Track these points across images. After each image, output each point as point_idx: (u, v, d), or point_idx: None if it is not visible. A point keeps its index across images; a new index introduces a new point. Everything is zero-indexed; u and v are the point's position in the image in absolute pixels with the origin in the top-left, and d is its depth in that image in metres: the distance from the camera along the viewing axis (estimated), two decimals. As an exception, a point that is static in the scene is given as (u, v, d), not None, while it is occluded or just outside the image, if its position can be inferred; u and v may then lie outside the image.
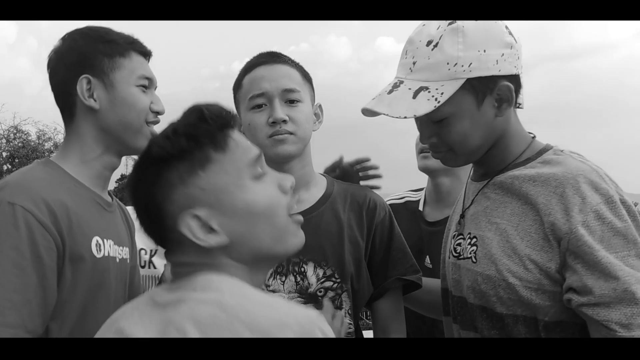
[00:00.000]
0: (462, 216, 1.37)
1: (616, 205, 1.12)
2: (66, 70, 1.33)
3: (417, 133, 1.99)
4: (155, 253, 2.06)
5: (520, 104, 1.29)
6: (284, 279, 1.44)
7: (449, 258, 1.39)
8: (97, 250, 1.27)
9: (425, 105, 1.18)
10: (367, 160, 1.69)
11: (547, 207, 1.15)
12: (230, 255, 0.96)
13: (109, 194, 1.44)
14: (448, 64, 1.18)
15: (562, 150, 1.25)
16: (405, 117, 1.19)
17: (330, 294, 1.44)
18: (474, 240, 1.28)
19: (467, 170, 1.93)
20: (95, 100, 1.31)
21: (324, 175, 1.62)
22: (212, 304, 0.90)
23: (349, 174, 1.65)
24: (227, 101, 1.40)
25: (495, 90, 1.21)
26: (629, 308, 1.06)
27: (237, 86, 1.53)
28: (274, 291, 1.44)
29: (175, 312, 0.91)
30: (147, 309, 0.96)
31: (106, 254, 1.30)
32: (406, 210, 1.99)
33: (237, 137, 1.00)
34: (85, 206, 1.29)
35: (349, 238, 1.49)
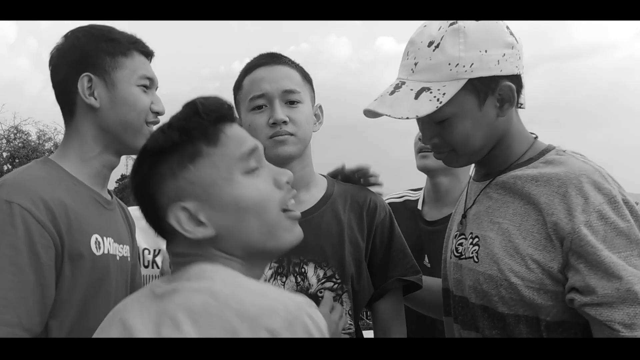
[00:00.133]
0: (464, 216, 1.37)
1: (619, 206, 1.12)
2: (68, 67, 1.33)
3: (415, 133, 2.01)
4: (158, 253, 2.07)
5: (521, 104, 1.29)
6: (284, 279, 1.44)
7: (451, 258, 1.39)
8: (96, 248, 1.27)
9: (427, 105, 1.18)
10: (368, 168, 1.70)
11: (549, 207, 1.15)
12: (219, 247, 0.98)
13: (109, 192, 1.44)
14: (449, 64, 1.18)
15: (564, 151, 1.25)
16: (407, 118, 1.19)
17: (331, 294, 1.44)
18: (476, 240, 1.28)
19: (465, 170, 1.93)
20: (95, 99, 1.31)
21: (324, 176, 1.62)
22: (204, 293, 0.91)
23: (350, 181, 1.65)
24: (228, 101, 1.40)
25: (497, 91, 1.21)
26: (632, 308, 1.06)
27: (238, 87, 1.53)
28: None
29: (170, 302, 0.93)
30: (146, 300, 0.98)
31: (106, 252, 1.30)
32: (405, 209, 1.99)
33: (231, 131, 1.01)
34: (84, 204, 1.29)
35: (350, 239, 1.48)
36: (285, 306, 0.88)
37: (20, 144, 24.09)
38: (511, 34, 1.23)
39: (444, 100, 1.17)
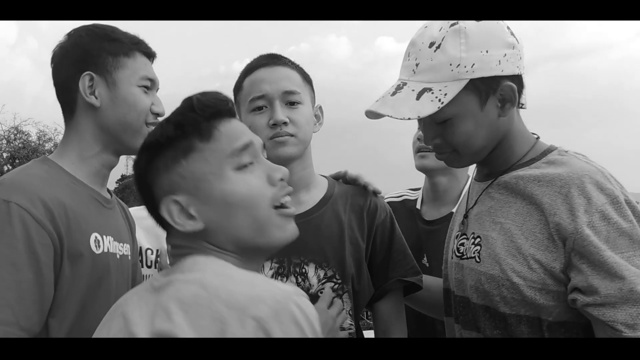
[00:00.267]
0: (466, 216, 1.37)
1: (621, 206, 1.12)
2: (70, 66, 1.33)
3: (413, 133, 2.01)
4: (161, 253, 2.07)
5: (523, 104, 1.29)
6: (285, 279, 1.44)
7: (452, 258, 1.39)
8: (96, 246, 1.27)
9: (429, 106, 1.18)
10: (369, 181, 1.69)
11: (552, 207, 1.15)
12: (210, 241, 1.00)
13: (108, 191, 1.44)
14: (451, 65, 1.18)
15: (566, 151, 1.26)
16: (409, 119, 1.19)
17: (331, 290, 1.44)
18: (478, 240, 1.28)
19: (464, 170, 1.94)
20: (96, 98, 1.32)
21: (325, 177, 1.62)
22: (195, 284, 0.93)
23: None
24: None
25: (498, 91, 1.21)
26: (635, 308, 1.06)
27: (238, 88, 1.53)
28: None
29: (164, 294, 0.95)
30: (145, 294, 1.00)
31: (105, 250, 1.30)
32: (404, 208, 1.99)
33: (226, 126, 1.03)
34: (83, 203, 1.28)
35: (350, 239, 1.48)
36: (273, 295, 0.89)
37: (20, 145, 24.11)
38: (512, 34, 1.23)
39: (446, 100, 1.17)
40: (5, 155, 23.95)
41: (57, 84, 1.37)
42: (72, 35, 1.37)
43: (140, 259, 1.92)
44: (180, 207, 0.99)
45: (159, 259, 2.07)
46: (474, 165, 1.39)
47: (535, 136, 1.32)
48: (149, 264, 2.05)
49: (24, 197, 1.16)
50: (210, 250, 1.00)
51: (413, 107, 1.19)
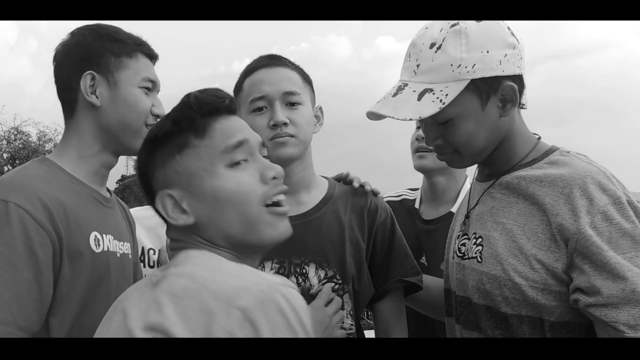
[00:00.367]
0: (467, 216, 1.37)
1: (624, 207, 1.12)
2: (72, 64, 1.33)
3: (411, 134, 2.02)
4: (163, 253, 2.07)
5: (523, 105, 1.29)
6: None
7: (453, 258, 1.39)
8: (95, 245, 1.27)
9: (430, 107, 1.18)
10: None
11: (554, 207, 1.15)
12: (202, 235, 1.02)
13: (108, 190, 1.44)
14: (452, 65, 1.18)
15: (568, 152, 1.26)
16: (410, 120, 1.19)
17: (333, 295, 1.44)
18: (480, 240, 1.28)
19: (462, 170, 1.94)
20: (97, 97, 1.32)
21: (325, 178, 1.62)
22: (186, 277, 0.96)
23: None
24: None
25: (499, 91, 1.21)
26: (637, 309, 1.06)
27: (238, 89, 1.53)
28: None
29: (159, 287, 0.97)
30: (145, 289, 1.01)
31: (105, 249, 1.30)
32: (402, 208, 2.00)
33: (222, 123, 1.05)
34: (83, 202, 1.29)
35: (350, 239, 1.48)
36: (259, 286, 0.90)
37: (20, 145, 24.13)
38: (512, 34, 1.23)
39: (447, 101, 1.17)
40: (5, 155, 23.97)
41: (58, 82, 1.37)
42: (76, 34, 1.37)
43: (142, 258, 1.92)
44: (174, 201, 1.02)
45: (159, 256, 2.07)
46: (473, 165, 1.39)
47: (537, 136, 1.32)
48: (151, 264, 2.05)
49: (22, 197, 1.16)
50: (203, 245, 1.02)
51: (414, 108, 1.19)
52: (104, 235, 1.30)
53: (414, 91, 1.21)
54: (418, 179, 2.10)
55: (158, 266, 2.09)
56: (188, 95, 1.06)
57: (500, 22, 1.23)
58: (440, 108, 1.17)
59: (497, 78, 1.20)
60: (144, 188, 1.09)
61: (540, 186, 1.20)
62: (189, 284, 0.93)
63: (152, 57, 1.41)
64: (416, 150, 1.95)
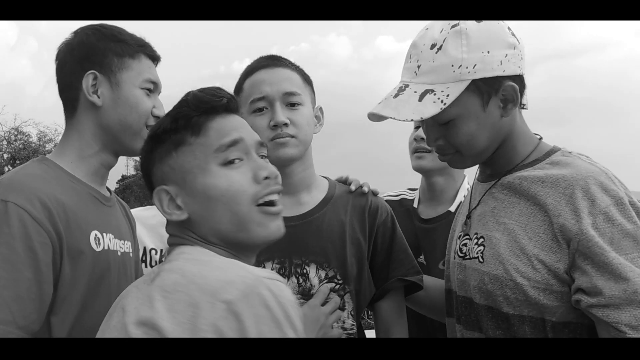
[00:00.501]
0: (469, 217, 1.37)
1: (626, 207, 1.12)
2: (74, 63, 1.34)
3: (408, 134, 2.02)
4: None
5: (524, 105, 1.29)
6: (286, 280, 1.44)
7: (454, 259, 1.39)
8: (96, 244, 1.27)
9: (432, 107, 1.18)
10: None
11: (556, 208, 1.15)
12: (195, 231, 1.05)
13: (108, 189, 1.44)
14: (453, 66, 1.19)
15: (570, 152, 1.26)
16: (412, 120, 1.20)
17: (333, 295, 1.44)
18: (481, 240, 1.28)
19: (460, 170, 1.94)
20: (98, 97, 1.32)
21: (326, 178, 1.62)
22: (176, 272, 0.98)
23: None
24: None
25: (500, 91, 1.21)
26: (639, 310, 1.06)
27: (238, 90, 1.53)
28: None
29: (153, 283, 1.00)
30: (143, 285, 1.03)
31: (106, 248, 1.30)
32: (401, 207, 2.00)
33: (218, 122, 1.07)
34: (83, 201, 1.29)
35: (351, 239, 1.48)
36: (244, 279, 0.92)
37: (21, 146, 24.13)
38: (513, 34, 1.23)
39: (448, 101, 1.17)
40: (5, 156, 23.98)
41: (60, 81, 1.37)
42: (79, 33, 1.37)
43: (144, 259, 1.92)
44: (170, 196, 1.05)
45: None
46: (475, 165, 1.39)
47: (538, 137, 1.32)
48: (153, 264, 2.06)
49: (21, 197, 1.16)
50: (197, 241, 1.05)
51: (416, 109, 1.19)
52: (104, 234, 1.31)
53: (415, 92, 1.21)
54: (418, 179, 2.10)
55: None
56: (188, 94, 1.09)
57: (501, 22, 1.23)
58: (441, 109, 1.17)
59: (498, 78, 1.20)
60: (146, 183, 1.12)
61: (542, 186, 1.20)
62: (179, 278, 0.96)
63: (155, 58, 1.42)
64: (414, 151, 1.95)
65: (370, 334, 1.73)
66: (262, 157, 1.12)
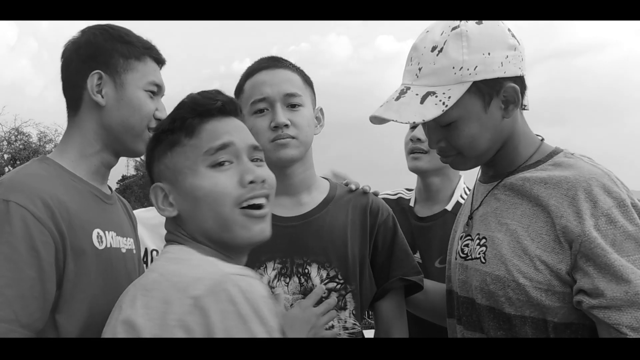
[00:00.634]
0: (470, 217, 1.37)
1: (628, 209, 1.12)
2: (80, 62, 1.34)
3: (404, 134, 2.02)
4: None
5: (525, 106, 1.29)
6: (287, 280, 1.44)
7: (456, 259, 1.39)
8: (98, 242, 1.27)
9: (433, 109, 1.18)
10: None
11: (558, 209, 1.15)
12: (184, 228, 1.11)
13: (109, 187, 1.44)
14: (454, 68, 1.19)
15: (572, 154, 1.26)
16: (414, 123, 1.20)
17: (334, 295, 1.44)
18: (483, 241, 1.28)
19: (455, 170, 1.95)
20: (102, 97, 1.32)
21: (326, 179, 1.62)
22: (156, 270, 1.05)
23: None
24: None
25: (502, 92, 1.21)
26: None
27: (239, 91, 1.53)
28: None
29: (139, 282, 1.06)
30: (138, 283, 1.08)
31: (108, 246, 1.30)
32: (397, 206, 2.01)
33: (213, 125, 1.11)
34: (84, 200, 1.29)
35: (352, 239, 1.49)
36: (212, 275, 0.96)
37: (21, 146, 24.13)
38: (513, 36, 1.23)
39: (450, 103, 1.18)
40: (6, 156, 23.98)
41: (65, 79, 1.37)
42: (86, 32, 1.37)
43: (145, 260, 1.93)
44: (164, 193, 1.12)
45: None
46: (477, 167, 1.39)
47: (540, 138, 1.32)
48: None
49: (23, 196, 1.16)
50: (186, 239, 1.10)
51: (417, 111, 1.19)
52: (106, 232, 1.31)
53: (417, 94, 1.21)
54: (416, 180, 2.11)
55: None
56: (188, 96, 1.14)
57: (501, 24, 1.24)
58: (443, 111, 1.18)
59: (498, 80, 1.20)
60: (149, 180, 1.18)
61: (545, 188, 1.20)
62: (157, 277, 1.02)
63: (160, 61, 1.42)
64: (410, 152, 1.96)
65: (370, 334, 1.73)
66: (256, 160, 1.15)
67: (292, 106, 1.46)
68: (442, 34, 1.22)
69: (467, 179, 1.98)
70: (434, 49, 1.21)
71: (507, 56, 1.20)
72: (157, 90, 1.39)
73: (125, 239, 1.39)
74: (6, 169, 22.39)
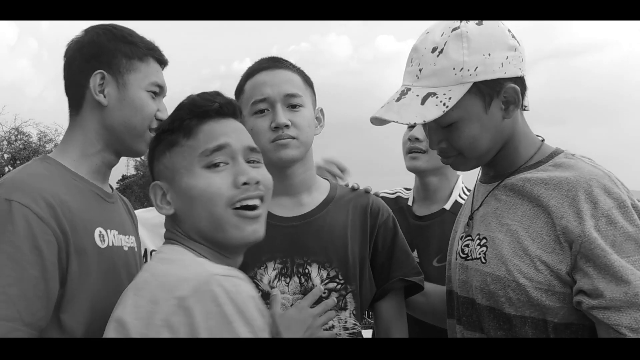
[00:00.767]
0: (471, 218, 1.37)
1: (628, 210, 1.12)
2: (83, 61, 1.34)
3: (401, 134, 2.02)
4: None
5: (525, 106, 1.29)
6: (288, 280, 1.44)
7: (456, 259, 1.39)
8: (100, 241, 1.28)
9: (434, 110, 1.18)
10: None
11: (559, 210, 1.16)
12: (181, 227, 1.14)
13: (110, 186, 1.44)
14: (454, 69, 1.19)
15: (573, 154, 1.26)
16: (414, 124, 1.20)
17: (335, 295, 1.45)
18: (484, 241, 1.28)
19: (453, 170, 1.95)
20: (104, 97, 1.33)
21: (326, 179, 1.62)
22: (148, 271, 1.08)
23: None
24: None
25: (502, 93, 1.21)
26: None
27: (239, 92, 1.53)
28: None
29: (133, 282, 1.09)
30: (134, 282, 1.09)
31: (110, 244, 1.31)
32: (396, 205, 2.01)
33: (210, 126, 1.14)
34: (86, 199, 1.29)
35: (352, 239, 1.49)
36: (198, 276, 0.97)
37: (21, 146, 24.13)
38: (513, 36, 1.23)
39: (450, 104, 1.18)
40: (6, 156, 23.98)
41: (67, 77, 1.38)
42: (90, 32, 1.37)
43: (145, 260, 1.93)
44: (162, 192, 1.15)
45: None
46: (477, 167, 1.39)
47: (540, 138, 1.33)
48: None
49: (25, 195, 1.16)
50: (182, 237, 1.14)
51: (418, 112, 1.19)
52: (108, 231, 1.31)
53: (417, 95, 1.21)
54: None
55: None
56: (188, 97, 1.17)
57: (501, 24, 1.24)
58: (443, 112, 1.18)
59: (499, 80, 1.20)
60: (151, 178, 1.21)
61: (545, 188, 1.20)
62: (148, 277, 1.05)
63: (162, 62, 1.43)
64: (409, 151, 1.96)
65: (368, 333, 1.73)
66: (253, 162, 1.16)
67: (293, 107, 1.46)
68: (442, 35, 1.22)
69: (467, 179, 1.99)
70: (434, 50, 1.22)
71: (508, 57, 1.20)
72: (159, 91, 1.39)
73: (127, 237, 1.40)
74: (6, 169, 22.40)
